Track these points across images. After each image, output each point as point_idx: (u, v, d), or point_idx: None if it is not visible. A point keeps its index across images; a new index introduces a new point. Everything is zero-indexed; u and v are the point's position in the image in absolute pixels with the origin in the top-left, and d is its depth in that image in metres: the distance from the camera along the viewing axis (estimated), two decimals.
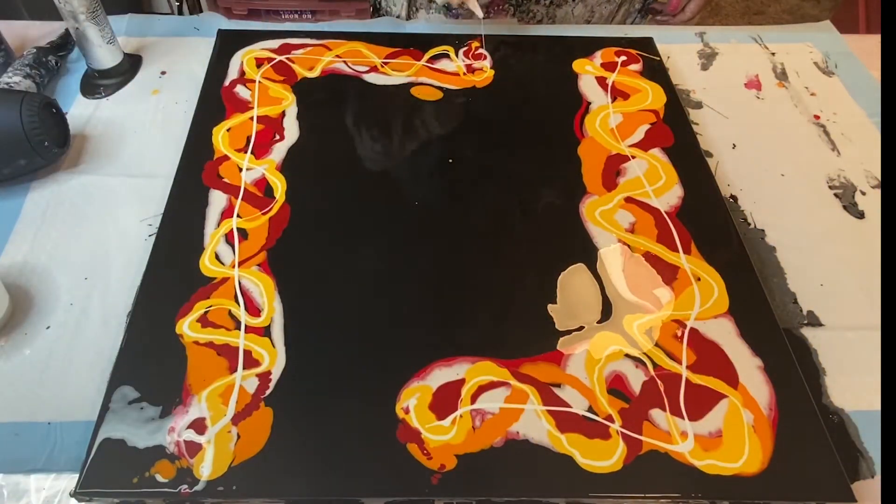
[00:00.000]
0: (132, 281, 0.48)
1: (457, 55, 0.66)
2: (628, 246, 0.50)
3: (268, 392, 0.41)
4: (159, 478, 0.37)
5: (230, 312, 0.45)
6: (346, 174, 0.55)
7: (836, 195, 0.57)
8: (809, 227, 0.55)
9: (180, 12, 1.41)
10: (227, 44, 0.66)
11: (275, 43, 0.66)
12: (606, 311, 0.46)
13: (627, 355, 0.43)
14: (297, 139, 0.57)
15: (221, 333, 0.43)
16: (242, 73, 0.63)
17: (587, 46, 0.68)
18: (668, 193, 0.54)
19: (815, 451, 0.40)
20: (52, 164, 0.55)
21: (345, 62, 0.64)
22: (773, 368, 0.43)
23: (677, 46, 0.71)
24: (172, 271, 0.47)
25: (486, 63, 0.65)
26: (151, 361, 0.42)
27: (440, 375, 0.42)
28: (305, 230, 0.50)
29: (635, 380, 0.42)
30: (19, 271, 0.48)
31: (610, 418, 0.40)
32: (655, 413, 0.41)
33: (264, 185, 0.53)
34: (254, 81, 0.62)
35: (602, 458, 0.39)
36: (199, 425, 0.39)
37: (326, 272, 0.48)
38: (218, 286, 0.46)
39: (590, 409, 0.41)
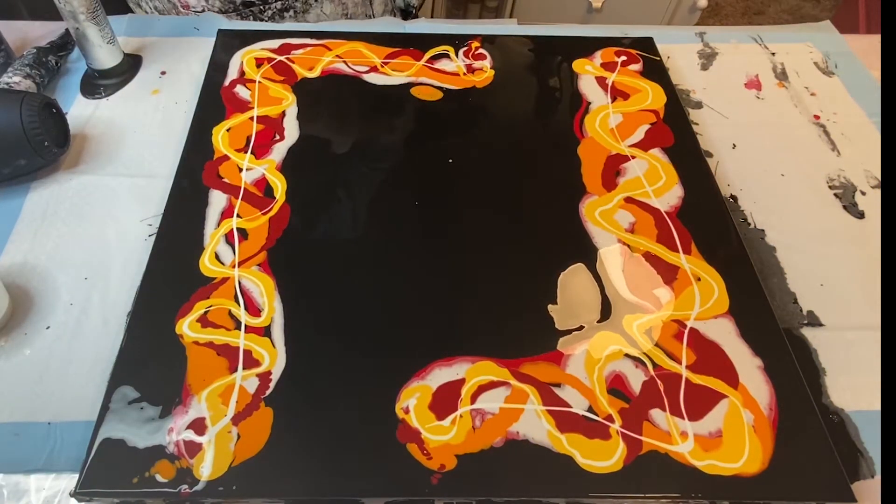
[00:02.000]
0: (132, 281, 0.48)
1: (457, 55, 0.66)
2: (628, 246, 0.50)
3: (268, 392, 0.41)
4: (159, 478, 0.37)
5: (230, 312, 0.45)
6: (346, 174, 0.55)
7: (836, 195, 0.57)
8: (809, 227, 0.55)
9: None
10: (227, 44, 0.66)
11: (275, 43, 0.66)
12: (606, 311, 0.46)
13: (627, 355, 0.44)
14: (297, 139, 0.57)
15: (221, 333, 0.43)
16: (242, 73, 0.63)
17: (587, 46, 0.68)
18: (668, 193, 0.54)
19: (815, 451, 0.40)
20: (52, 164, 0.55)
21: (345, 62, 0.65)
22: (773, 368, 0.43)
23: (677, 46, 0.71)
24: (172, 271, 0.47)
25: (486, 63, 0.65)
26: (151, 361, 0.42)
27: (440, 375, 0.42)
28: (305, 230, 0.50)
29: (635, 380, 0.42)
30: (19, 271, 0.48)
31: (610, 418, 0.40)
32: (655, 413, 0.41)
33: (264, 185, 0.53)
34: (254, 81, 0.62)
35: (602, 458, 0.39)
36: (198, 425, 0.39)
37: (326, 272, 0.48)
38: (218, 286, 0.46)
39: (590, 409, 0.41)
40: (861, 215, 0.56)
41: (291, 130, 0.58)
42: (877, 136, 0.62)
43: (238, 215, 0.51)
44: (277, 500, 0.38)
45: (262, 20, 0.76)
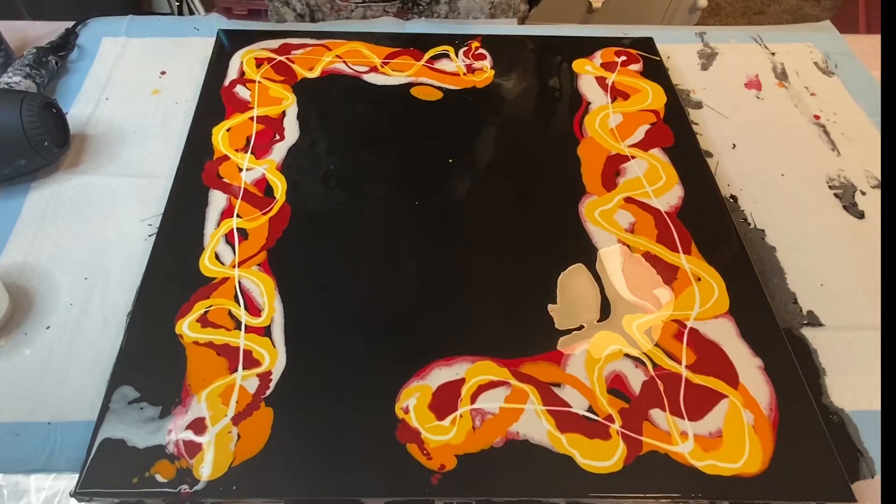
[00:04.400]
0: (132, 281, 0.48)
1: (457, 55, 0.66)
2: (628, 246, 0.50)
3: (268, 392, 0.41)
4: (159, 478, 0.37)
5: (230, 312, 0.45)
6: (345, 174, 0.55)
7: (836, 195, 0.57)
8: (809, 227, 0.55)
9: (180, 12, 1.41)
10: (227, 44, 0.66)
11: (275, 43, 0.66)
12: (606, 310, 0.46)
13: (627, 355, 0.44)
14: (297, 139, 0.57)
15: (221, 333, 0.43)
16: (242, 73, 0.63)
17: (587, 46, 0.68)
18: (668, 193, 0.54)
19: (815, 451, 0.40)
20: (52, 164, 0.55)
21: (345, 62, 0.64)
22: (773, 368, 0.43)
23: (677, 46, 0.71)
24: (172, 271, 0.47)
25: (486, 63, 0.65)
26: (151, 361, 0.42)
27: (440, 375, 0.42)
28: (305, 230, 0.50)
29: (635, 380, 0.42)
30: (19, 271, 0.48)
31: (610, 418, 0.40)
32: (655, 413, 0.41)
33: (264, 185, 0.53)
34: (254, 81, 0.62)
35: (602, 458, 0.39)
36: (198, 425, 0.39)
37: (326, 272, 0.48)
38: (218, 286, 0.46)
39: (590, 409, 0.41)
40: (861, 215, 0.56)
41: (291, 130, 0.58)
42: (877, 136, 0.62)
43: (238, 215, 0.51)
44: (277, 500, 0.38)
45: (417, 15, 0.75)
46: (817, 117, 0.64)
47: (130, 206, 0.53)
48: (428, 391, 0.41)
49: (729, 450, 0.39)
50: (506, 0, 0.78)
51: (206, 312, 0.44)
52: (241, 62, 0.64)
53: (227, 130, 0.57)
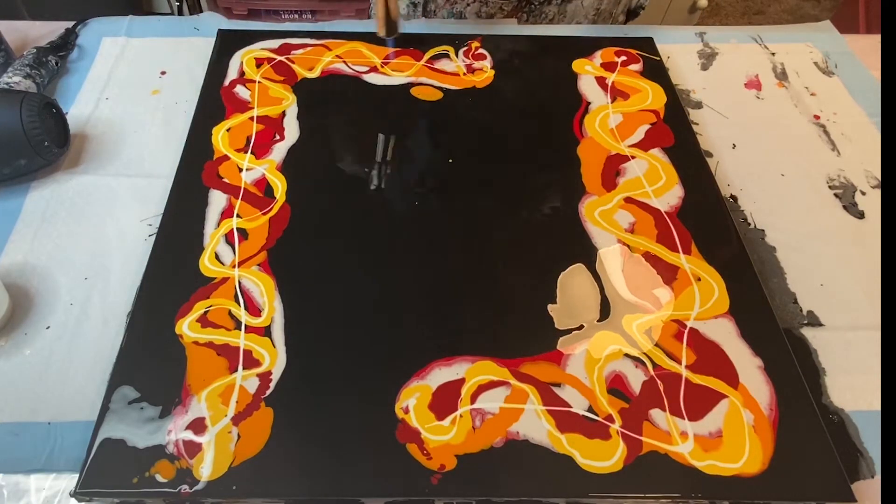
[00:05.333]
0: (132, 281, 0.48)
1: (457, 55, 0.66)
2: (628, 246, 0.50)
3: (268, 392, 0.41)
4: (159, 478, 0.37)
5: (230, 312, 0.45)
6: (345, 174, 0.55)
7: (836, 195, 0.57)
8: (809, 227, 0.55)
9: (180, 12, 1.41)
10: (227, 44, 0.66)
11: (275, 43, 0.66)
12: (605, 310, 0.46)
13: (627, 355, 0.44)
14: (297, 139, 0.57)
15: (221, 333, 0.43)
16: (242, 73, 0.63)
17: (587, 46, 0.68)
18: (668, 193, 0.54)
19: (815, 451, 0.40)
20: (52, 164, 0.55)
21: (345, 62, 0.64)
22: (773, 368, 0.43)
23: (677, 46, 0.71)
24: (172, 271, 0.47)
25: (486, 63, 0.65)
26: (151, 361, 0.42)
27: (440, 375, 0.42)
28: (305, 230, 0.50)
29: (635, 380, 0.42)
30: (19, 271, 0.48)
31: (610, 418, 0.40)
32: (655, 413, 0.41)
33: (264, 185, 0.53)
34: (254, 81, 0.62)
35: (602, 458, 0.39)
36: (198, 425, 0.39)
37: (326, 272, 0.48)
38: (218, 286, 0.46)
39: (590, 409, 0.41)
40: (861, 215, 0.56)
41: (291, 130, 0.58)
42: (877, 136, 0.62)
43: (238, 215, 0.51)
44: (277, 500, 0.38)
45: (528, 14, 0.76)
46: (817, 117, 0.64)
47: (130, 206, 0.53)
48: (428, 391, 0.41)
49: (729, 450, 0.39)
50: (608, 9, 0.78)
51: (206, 312, 0.44)
52: (241, 62, 0.64)
53: (227, 130, 0.57)
